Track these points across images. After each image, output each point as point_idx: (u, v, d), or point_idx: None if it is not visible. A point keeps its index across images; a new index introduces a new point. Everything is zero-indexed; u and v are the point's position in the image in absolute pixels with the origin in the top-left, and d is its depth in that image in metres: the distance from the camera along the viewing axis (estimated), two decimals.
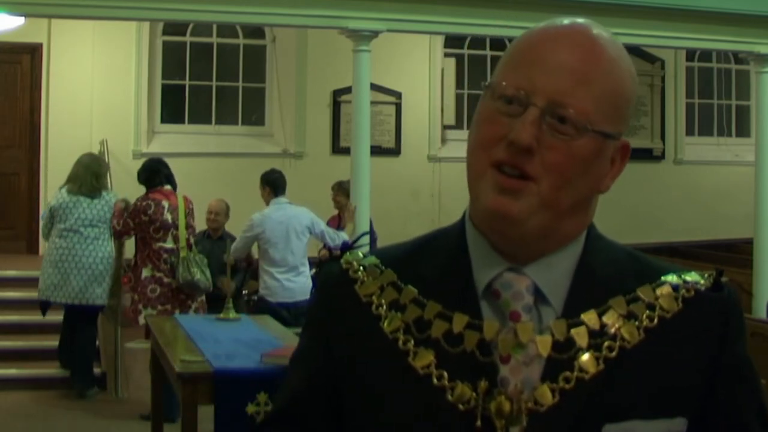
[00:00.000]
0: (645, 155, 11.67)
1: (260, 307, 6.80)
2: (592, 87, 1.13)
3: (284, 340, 4.64)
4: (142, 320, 6.30)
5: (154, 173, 6.62)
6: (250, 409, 3.86)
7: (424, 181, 10.31)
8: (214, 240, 7.49)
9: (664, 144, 11.90)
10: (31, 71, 9.67)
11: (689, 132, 12.19)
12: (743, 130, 12.36)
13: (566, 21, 1.18)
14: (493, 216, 1.13)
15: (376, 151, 9.03)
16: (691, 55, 11.96)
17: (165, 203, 6.51)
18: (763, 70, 8.88)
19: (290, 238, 6.81)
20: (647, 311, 1.16)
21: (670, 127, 11.94)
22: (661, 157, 11.89)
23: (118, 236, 6.75)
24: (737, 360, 1.20)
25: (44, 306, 6.95)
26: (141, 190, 6.73)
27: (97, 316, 7.10)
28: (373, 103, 8.57)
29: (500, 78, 1.15)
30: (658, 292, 1.18)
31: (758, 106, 9.08)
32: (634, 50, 11.11)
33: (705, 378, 1.17)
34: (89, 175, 6.82)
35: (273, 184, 7.03)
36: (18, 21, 7.91)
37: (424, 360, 1.15)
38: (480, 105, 1.18)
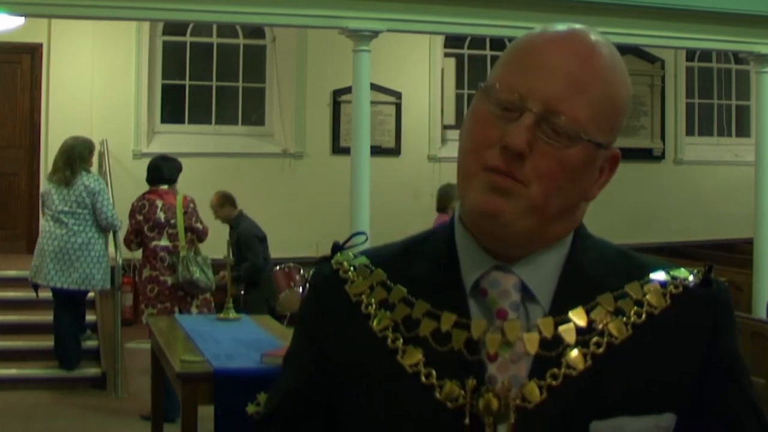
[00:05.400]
0: (645, 155, 11.68)
1: None
2: (587, 95, 1.12)
3: (284, 340, 4.64)
4: (145, 320, 6.34)
5: (155, 169, 6.66)
6: (250, 409, 3.82)
7: (424, 181, 10.29)
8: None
9: (664, 144, 11.90)
10: (31, 71, 9.67)
11: (689, 132, 12.20)
12: (743, 130, 12.36)
13: (564, 26, 1.17)
14: (481, 215, 1.13)
15: (376, 151, 9.03)
16: (691, 55, 11.96)
17: (159, 202, 6.55)
18: (763, 70, 8.88)
19: None
20: (635, 307, 1.16)
21: (670, 127, 11.94)
22: (661, 157, 11.89)
23: (132, 242, 6.70)
24: (726, 355, 1.19)
25: (34, 287, 7.09)
26: (141, 189, 6.74)
27: (76, 302, 7.12)
28: (373, 103, 8.57)
29: (496, 79, 1.15)
30: (646, 288, 1.18)
31: (758, 106, 9.08)
32: (634, 50, 11.11)
33: (694, 373, 1.17)
34: (63, 162, 6.90)
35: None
36: (18, 21, 7.91)
37: (412, 358, 1.16)
38: (474, 104, 1.17)
